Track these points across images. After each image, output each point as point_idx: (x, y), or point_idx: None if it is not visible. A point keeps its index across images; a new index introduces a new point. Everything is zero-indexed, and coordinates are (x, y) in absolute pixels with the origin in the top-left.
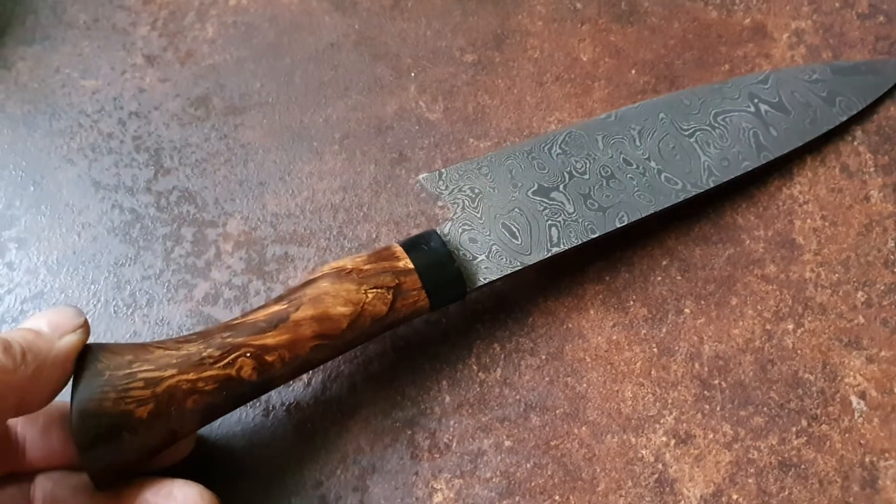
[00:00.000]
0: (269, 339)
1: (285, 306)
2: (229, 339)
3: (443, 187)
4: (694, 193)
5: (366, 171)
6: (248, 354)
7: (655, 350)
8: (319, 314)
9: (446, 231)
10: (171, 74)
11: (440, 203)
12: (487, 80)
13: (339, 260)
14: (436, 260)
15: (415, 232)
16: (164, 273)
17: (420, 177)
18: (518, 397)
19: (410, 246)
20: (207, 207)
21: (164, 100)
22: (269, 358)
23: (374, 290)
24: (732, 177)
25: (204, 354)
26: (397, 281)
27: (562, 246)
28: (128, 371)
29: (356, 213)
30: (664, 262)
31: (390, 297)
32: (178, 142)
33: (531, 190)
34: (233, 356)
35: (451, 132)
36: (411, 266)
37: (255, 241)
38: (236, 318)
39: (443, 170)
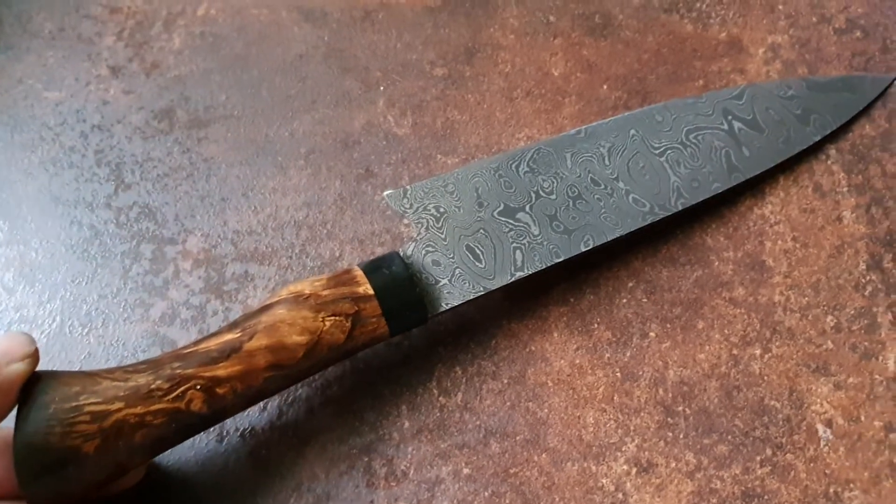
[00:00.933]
0: (221, 371)
1: (238, 335)
2: (179, 371)
3: (407, 205)
4: (662, 216)
5: (331, 187)
6: (199, 387)
7: (619, 374)
8: (274, 343)
9: (409, 253)
10: (135, 86)
11: (405, 221)
12: (457, 95)
13: (298, 283)
14: (397, 285)
15: (379, 251)
16: (121, 292)
17: (385, 193)
18: (478, 423)
19: (371, 269)
20: (167, 224)
21: (127, 112)
22: (220, 390)
23: (332, 318)
24: (702, 199)
25: (153, 387)
26: (356, 308)
27: (526, 270)
28: (75, 404)
29: (320, 231)
30: (630, 284)
31: (349, 324)
32: (139, 156)
33: (497, 210)
34: (182, 388)
35: (419, 148)
36: (371, 292)
37: (214, 259)
38: (188, 346)
39: (408, 186)
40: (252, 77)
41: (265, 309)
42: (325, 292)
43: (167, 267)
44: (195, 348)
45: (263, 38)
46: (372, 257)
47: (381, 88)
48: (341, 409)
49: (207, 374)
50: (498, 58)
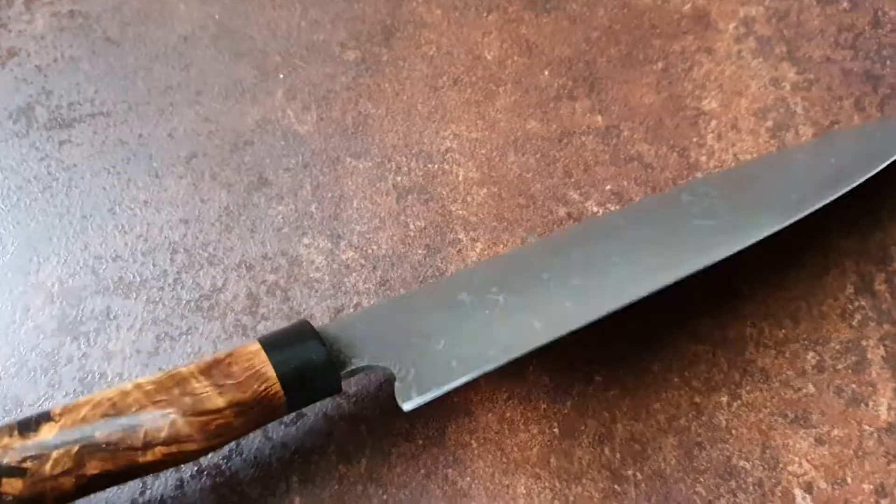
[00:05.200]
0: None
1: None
2: None
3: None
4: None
5: (215, 199)
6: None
7: (557, 431)
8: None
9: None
10: None
11: (305, 241)
12: (372, 84)
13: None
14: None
15: (271, 279)
16: None
17: (404, 406)
18: (385, 497)
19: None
20: (18, 250)
21: None
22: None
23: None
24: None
25: None
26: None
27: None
28: None
29: (199, 255)
30: None
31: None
32: None
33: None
34: None
35: (324, 149)
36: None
37: (71, 293)
38: None
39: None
40: (127, 65)
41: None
42: (208, 389)
43: (16, 303)
44: None
45: (142, 17)
46: (262, 287)
47: (281, 76)
48: (217, 482)
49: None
50: (421, 38)
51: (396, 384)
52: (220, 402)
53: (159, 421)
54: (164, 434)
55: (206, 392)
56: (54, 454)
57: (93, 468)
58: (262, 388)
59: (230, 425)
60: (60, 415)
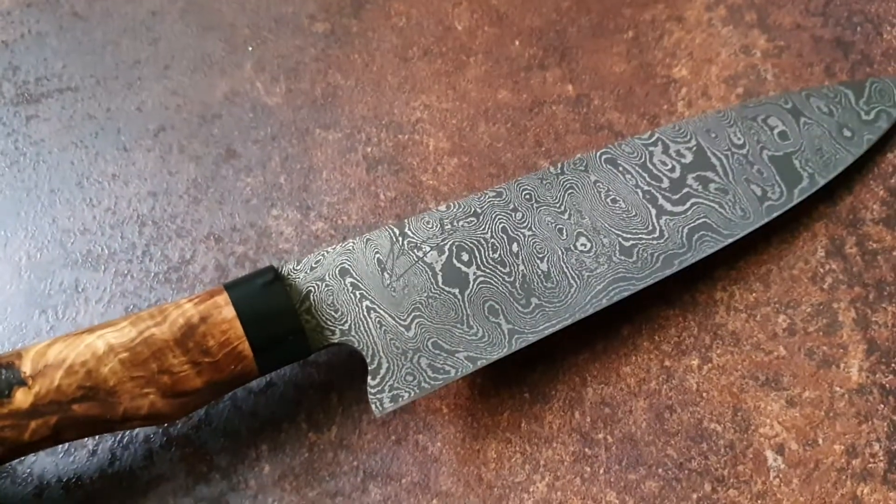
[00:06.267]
0: None
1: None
2: None
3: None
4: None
5: (183, 171)
6: None
7: (527, 395)
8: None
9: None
10: None
11: (274, 213)
12: (341, 55)
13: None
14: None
15: (240, 251)
16: None
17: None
18: (356, 463)
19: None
20: None
21: None
22: None
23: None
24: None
25: None
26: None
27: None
28: None
29: (167, 227)
30: None
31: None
32: None
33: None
34: None
35: (293, 120)
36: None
37: (39, 266)
38: None
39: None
40: (94, 40)
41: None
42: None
43: None
44: None
45: None
46: (231, 258)
47: (250, 49)
48: (186, 452)
49: None
50: (391, 9)
51: (369, 381)
52: (198, 382)
53: (139, 400)
54: (143, 412)
55: (185, 371)
56: (32, 425)
57: (70, 435)
58: (239, 367)
59: (205, 400)
60: (32, 377)
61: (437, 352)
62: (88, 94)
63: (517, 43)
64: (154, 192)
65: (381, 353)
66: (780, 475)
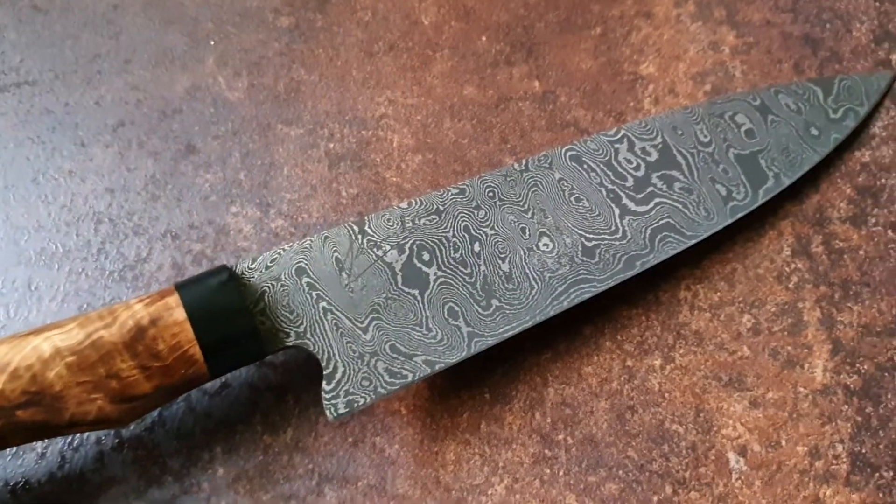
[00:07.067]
0: None
1: None
2: None
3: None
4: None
5: (142, 167)
6: None
7: (488, 396)
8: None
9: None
10: None
11: (233, 210)
12: (305, 50)
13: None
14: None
15: (197, 248)
16: None
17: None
18: (311, 466)
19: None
20: None
21: None
22: None
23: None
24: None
25: None
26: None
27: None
28: None
29: (124, 225)
30: None
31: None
32: None
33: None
34: None
35: (254, 116)
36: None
37: None
38: None
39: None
40: (54, 33)
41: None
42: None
43: None
44: None
45: None
46: (188, 256)
47: (212, 44)
48: (139, 454)
49: None
50: (356, 3)
51: (324, 386)
52: (147, 387)
53: (86, 405)
54: (91, 418)
55: (134, 376)
56: None
57: (15, 440)
58: (190, 371)
59: (156, 404)
60: None
61: (395, 355)
62: (46, 89)
63: (484, 38)
64: (111, 189)
65: (337, 357)
66: (742, 477)
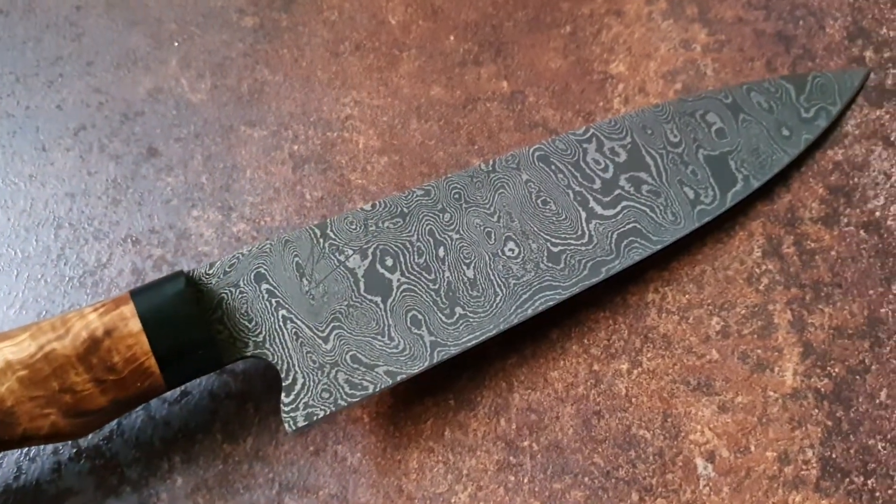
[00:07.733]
0: None
1: None
2: None
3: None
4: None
5: (102, 171)
6: None
7: (452, 402)
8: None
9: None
10: None
11: (195, 214)
12: (270, 50)
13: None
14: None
15: (157, 253)
16: None
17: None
18: (271, 476)
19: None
20: None
21: None
22: None
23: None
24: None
25: None
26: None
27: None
28: None
29: (84, 230)
30: None
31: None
32: None
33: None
34: None
35: (217, 118)
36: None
37: None
38: None
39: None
40: (15, 35)
41: None
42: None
43: None
44: None
45: None
46: (149, 261)
47: (176, 45)
48: (97, 464)
49: None
50: (323, 3)
51: (283, 398)
52: (102, 401)
53: (39, 420)
54: (44, 432)
55: (88, 390)
56: None
57: None
58: (146, 384)
59: (111, 417)
60: None
61: (356, 366)
62: (7, 92)
63: (452, 38)
64: (72, 194)
65: (297, 368)
66: (710, 483)
